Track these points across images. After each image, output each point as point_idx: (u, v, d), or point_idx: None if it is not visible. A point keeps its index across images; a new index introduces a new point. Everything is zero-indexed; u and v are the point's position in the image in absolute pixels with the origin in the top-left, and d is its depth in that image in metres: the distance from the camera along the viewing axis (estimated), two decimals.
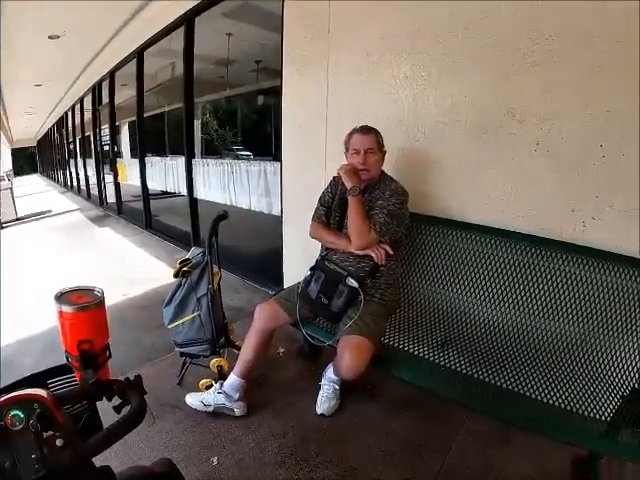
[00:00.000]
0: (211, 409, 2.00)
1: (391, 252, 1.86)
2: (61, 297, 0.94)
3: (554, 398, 1.54)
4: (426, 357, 1.84)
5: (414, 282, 2.21)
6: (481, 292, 1.98)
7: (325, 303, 1.89)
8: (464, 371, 1.73)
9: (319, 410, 2.01)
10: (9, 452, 0.67)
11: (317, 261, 2.03)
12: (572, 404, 1.51)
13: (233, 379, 1.98)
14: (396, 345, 1.93)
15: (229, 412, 1.99)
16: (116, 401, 0.86)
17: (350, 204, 1.87)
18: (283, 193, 3.17)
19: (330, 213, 2.04)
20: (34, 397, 0.72)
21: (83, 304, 0.92)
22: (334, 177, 2.09)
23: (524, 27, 1.76)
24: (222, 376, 2.11)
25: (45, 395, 0.73)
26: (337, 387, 2.04)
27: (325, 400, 2.02)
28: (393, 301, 2.02)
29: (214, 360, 2.17)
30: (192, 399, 2.04)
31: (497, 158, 1.95)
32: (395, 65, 2.24)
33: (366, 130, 1.93)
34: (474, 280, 2.01)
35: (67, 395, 0.87)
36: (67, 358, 0.96)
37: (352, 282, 1.85)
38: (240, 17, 4.31)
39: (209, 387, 2.07)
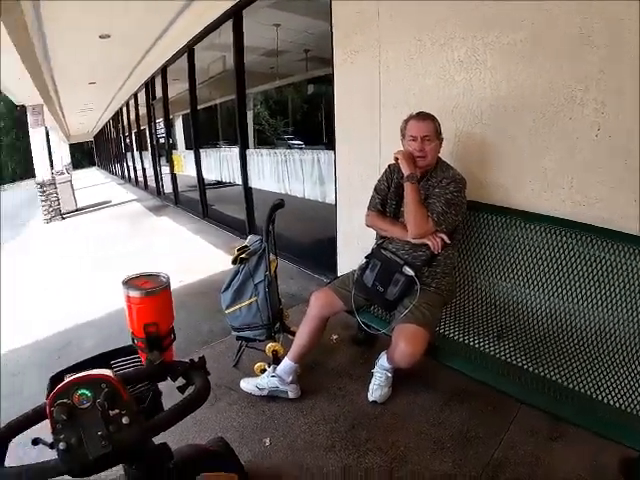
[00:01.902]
0: (265, 392, 2.06)
1: (448, 241, 1.84)
2: (128, 282, 0.97)
3: (609, 396, 1.47)
4: (481, 348, 1.80)
5: (471, 271, 2.16)
6: (539, 283, 1.91)
7: (381, 291, 1.89)
8: (519, 364, 1.68)
9: (371, 397, 2.02)
10: (76, 429, 0.70)
11: (373, 249, 2.03)
12: (627, 403, 1.44)
13: (287, 363, 2.03)
14: (451, 335, 1.90)
15: (283, 395, 2.05)
16: (180, 382, 0.90)
17: (406, 191, 1.85)
18: (337, 181, 3.16)
19: (386, 202, 2.04)
20: (102, 377, 0.75)
21: (150, 289, 0.95)
22: (389, 165, 2.07)
23: (581, 8, 1.66)
24: (277, 360, 2.16)
25: (112, 375, 0.77)
26: (390, 375, 2.04)
27: (377, 387, 2.02)
28: (449, 290, 1.99)
29: (269, 345, 2.24)
30: (247, 384, 2.11)
31: (557, 144, 1.85)
32: (448, 50, 2.17)
33: (423, 117, 1.89)
34: (532, 271, 1.94)
35: (133, 375, 0.92)
36: (133, 340, 0.99)
37: (408, 271, 1.84)
38: (287, 7, 4.34)
39: (263, 371, 2.14)
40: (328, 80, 3.00)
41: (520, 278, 1.98)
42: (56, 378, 0.98)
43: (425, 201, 1.86)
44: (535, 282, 1.93)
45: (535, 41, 1.84)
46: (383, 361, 2.04)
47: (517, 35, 1.89)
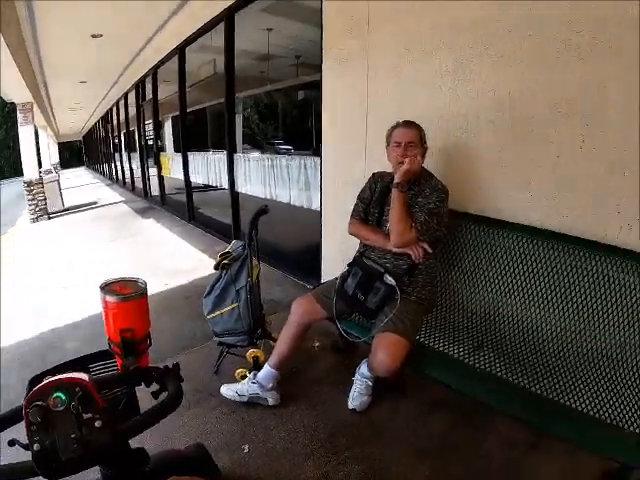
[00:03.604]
0: (245, 399, 2.05)
1: (430, 250, 1.85)
2: (105, 287, 0.97)
3: (589, 407, 1.48)
4: (460, 358, 1.81)
5: (452, 281, 2.17)
6: (521, 294, 1.92)
7: (361, 299, 1.88)
8: (498, 374, 1.69)
9: (351, 405, 2.01)
10: (50, 432, 0.71)
11: (355, 257, 2.03)
12: (607, 414, 1.45)
13: (267, 370, 2.02)
14: (431, 344, 1.91)
15: (263, 402, 2.04)
16: (154, 387, 0.90)
17: (394, 199, 1.85)
18: (323, 188, 3.16)
19: (369, 210, 2.05)
20: (76, 381, 0.75)
21: (126, 295, 0.95)
22: (374, 174, 2.09)
23: (568, 18, 1.68)
24: (257, 366, 2.15)
25: (87, 379, 0.77)
26: (370, 383, 2.03)
27: (357, 395, 2.02)
28: (430, 300, 1.99)
29: (250, 351, 2.22)
30: (227, 390, 2.10)
31: (541, 155, 1.87)
32: (435, 60, 2.19)
33: (408, 124, 1.92)
34: (515, 282, 1.95)
35: (108, 379, 0.92)
36: (109, 345, 0.99)
37: (389, 279, 1.84)
38: (280, 12, 4.36)
39: (244, 377, 2.12)
40: (318, 86, 3.01)
41: (501, 288, 1.99)
42: (35, 379, 0.99)
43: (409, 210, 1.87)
44: (516, 293, 1.94)
45: (523, 52, 1.85)
46: (364, 369, 2.03)
47: (505, 46, 1.91)
